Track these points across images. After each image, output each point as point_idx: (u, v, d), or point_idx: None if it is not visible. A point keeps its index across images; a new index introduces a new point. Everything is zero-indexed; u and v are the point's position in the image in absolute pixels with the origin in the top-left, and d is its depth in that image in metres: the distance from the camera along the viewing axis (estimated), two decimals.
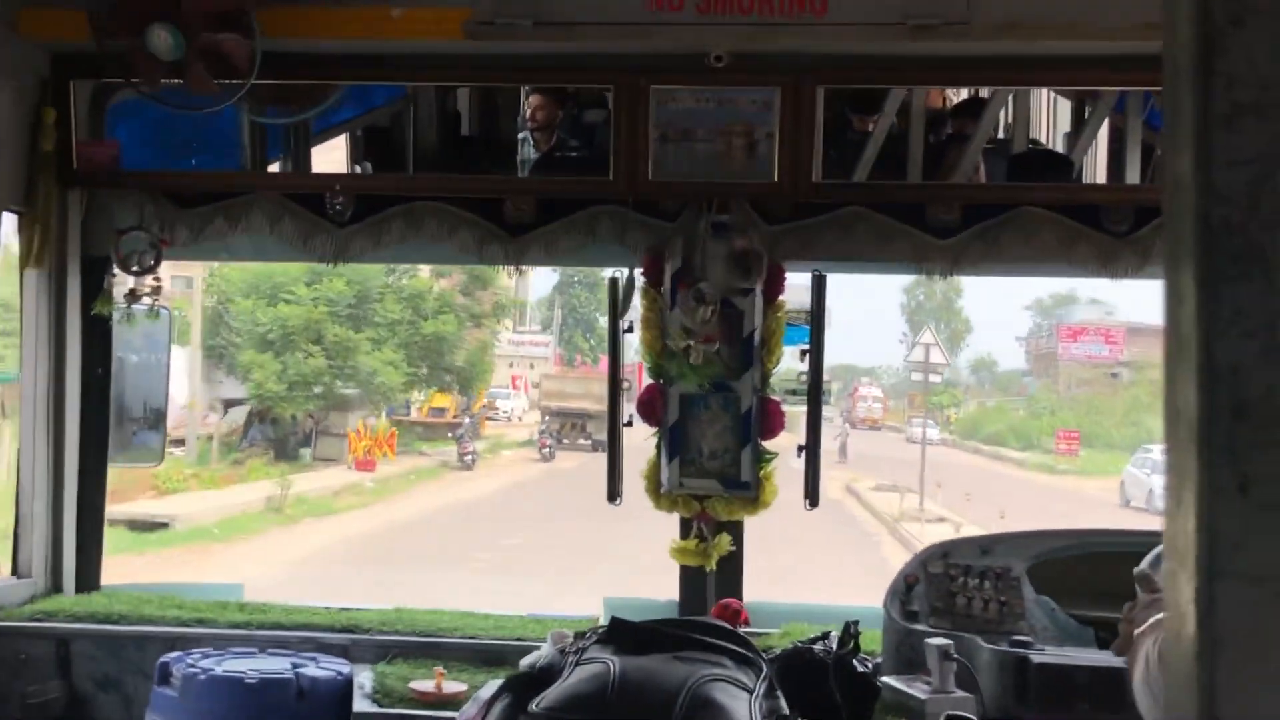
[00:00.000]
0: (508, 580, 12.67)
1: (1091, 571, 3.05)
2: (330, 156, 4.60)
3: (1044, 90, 5.42)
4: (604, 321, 3.69)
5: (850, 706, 2.62)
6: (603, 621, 2.80)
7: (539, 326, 44.38)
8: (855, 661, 2.72)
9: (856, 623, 2.80)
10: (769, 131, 3.32)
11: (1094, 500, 22.76)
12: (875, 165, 3.87)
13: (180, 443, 20.52)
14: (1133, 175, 3.71)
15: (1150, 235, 3.32)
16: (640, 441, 3.60)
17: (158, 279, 3.69)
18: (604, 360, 3.82)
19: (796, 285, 3.67)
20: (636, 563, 9.81)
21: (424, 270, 24.03)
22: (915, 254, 3.42)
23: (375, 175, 4.13)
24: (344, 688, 2.94)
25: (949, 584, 3.05)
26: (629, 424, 3.65)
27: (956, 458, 32.31)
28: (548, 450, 27.81)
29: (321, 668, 2.99)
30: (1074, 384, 38.60)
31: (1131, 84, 3.58)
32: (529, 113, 4.63)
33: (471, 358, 27.10)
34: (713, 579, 3.57)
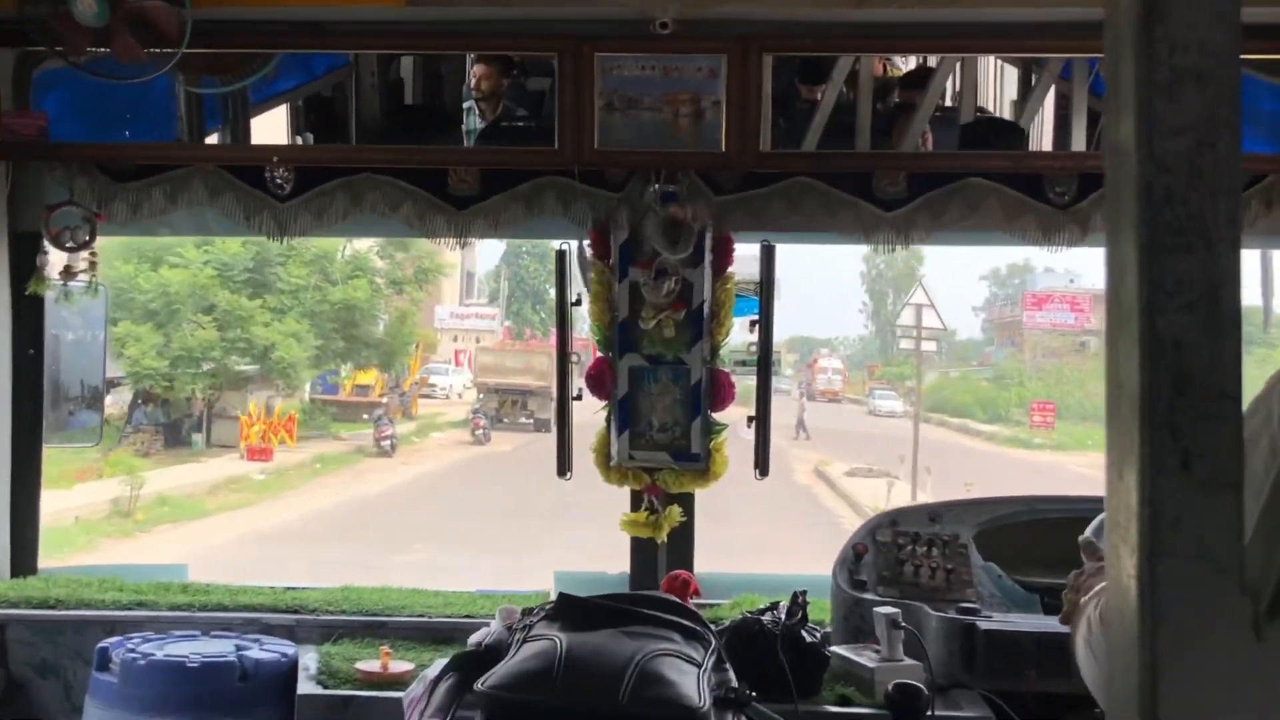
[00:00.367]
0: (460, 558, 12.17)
1: (1037, 537, 3.08)
2: (271, 128, 4.50)
3: (991, 58, 5.43)
4: (554, 293, 3.63)
5: (799, 676, 2.62)
6: (554, 596, 2.78)
7: (486, 299, 42.99)
8: (803, 631, 2.72)
9: (804, 593, 2.80)
10: (716, 100, 3.28)
11: (1097, 481, 21.52)
12: (824, 135, 3.85)
13: None
14: (1078, 142, 3.72)
15: (1090, 207, 3.35)
16: (591, 416, 3.57)
17: (93, 254, 3.59)
18: (556, 334, 3.78)
19: (746, 256, 3.65)
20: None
21: None
22: (863, 225, 3.41)
23: (315, 146, 4.04)
24: (289, 669, 2.89)
25: (897, 552, 3.07)
26: (578, 397, 3.62)
27: (925, 431, 30.22)
28: (481, 431, 25.60)
29: (265, 649, 2.94)
30: (1040, 353, 37.96)
31: (1076, 51, 3.58)
32: (474, 82, 4.55)
33: (391, 329, 24.52)
34: (664, 551, 3.56)
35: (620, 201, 3.40)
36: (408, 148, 3.67)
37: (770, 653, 2.65)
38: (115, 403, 19.75)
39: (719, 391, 3.50)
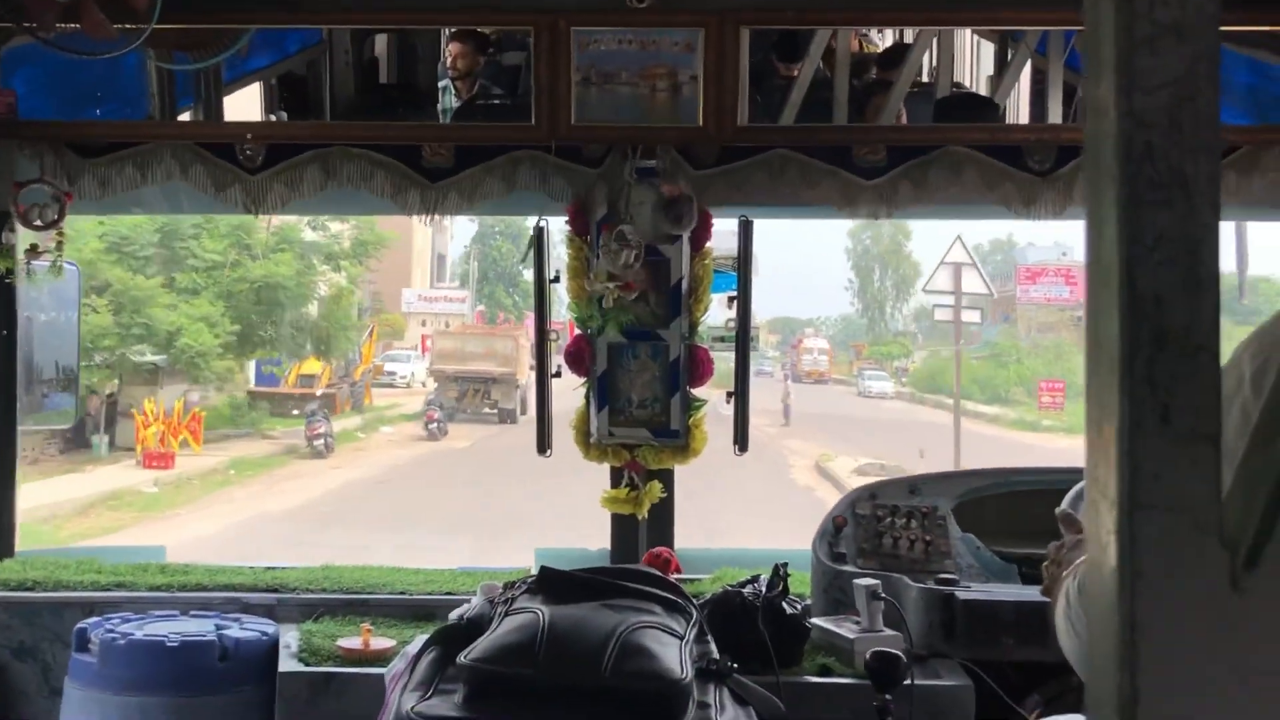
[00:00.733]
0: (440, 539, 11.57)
1: (1015, 508, 3.11)
2: (245, 106, 4.46)
3: (967, 34, 5.44)
4: (528, 275, 3.61)
5: (779, 647, 2.64)
6: (535, 572, 2.78)
7: (458, 282, 41.58)
8: (784, 604, 2.74)
9: (785, 565, 2.82)
10: (693, 74, 3.27)
11: None
12: (801, 111, 3.85)
13: None
14: (1055, 116, 3.73)
15: (1071, 174, 3.35)
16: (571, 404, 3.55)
17: (61, 233, 3.54)
18: (530, 318, 3.77)
19: (724, 231, 3.64)
20: None
21: None
22: (843, 196, 3.41)
23: (288, 123, 4.01)
24: (269, 648, 2.89)
25: (876, 525, 3.09)
26: (557, 375, 3.61)
27: (919, 414, 28.86)
28: (436, 425, 22.71)
29: (246, 628, 2.94)
30: (1035, 329, 37.22)
31: (1052, 23, 3.59)
32: (449, 60, 4.52)
33: (328, 312, 22.19)
34: (644, 527, 3.57)
35: (598, 177, 3.39)
36: (381, 124, 3.65)
37: (751, 625, 2.67)
38: None
39: (697, 368, 3.50)
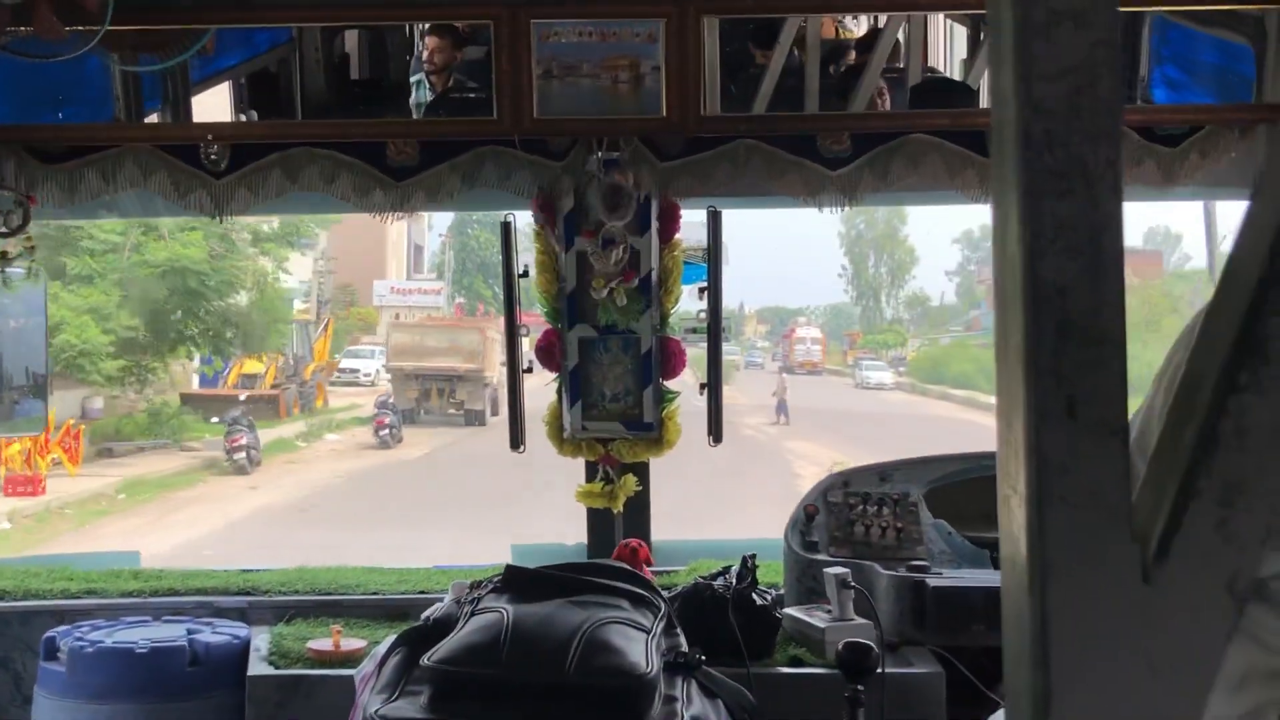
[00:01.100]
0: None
1: (986, 494, 3.09)
2: (216, 105, 4.42)
3: (940, 18, 5.42)
4: (501, 266, 3.60)
5: (750, 639, 2.63)
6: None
7: (436, 274, 39.50)
8: (754, 594, 2.73)
9: (754, 556, 2.81)
10: (655, 65, 3.25)
11: None
12: (776, 99, 3.83)
13: None
14: None
15: None
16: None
17: (29, 239, 3.51)
18: (504, 306, 3.75)
19: (694, 223, 3.63)
20: None
21: None
22: (808, 185, 3.39)
23: (251, 123, 3.98)
24: (240, 651, 2.87)
25: (848, 513, 3.08)
26: (529, 370, 3.60)
27: (925, 407, 26.90)
28: (388, 431, 20.05)
29: (217, 632, 2.93)
30: None
31: None
32: (425, 55, 4.50)
33: (256, 302, 19.12)
34: (620, 520, 3.56)
35: (562, 170, 3.37)
36: (344, 121, 3.63)
37: (721, 617, 2.66)
38: None
39: (670, 359, 3.49)
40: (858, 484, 3.15)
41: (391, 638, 2.48)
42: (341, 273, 33.62)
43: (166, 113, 3.76)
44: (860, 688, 2.34)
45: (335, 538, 11.14)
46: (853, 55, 4.60)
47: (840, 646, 2.39)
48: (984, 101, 4.30)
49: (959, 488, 3.14)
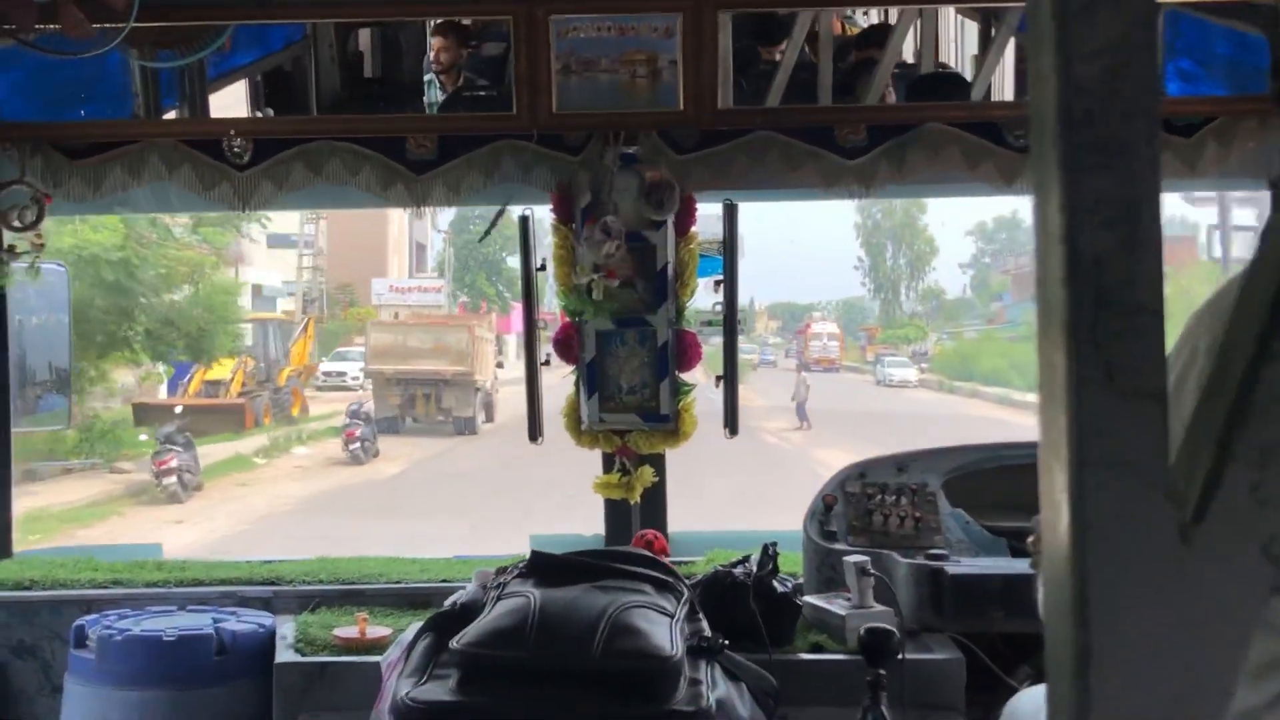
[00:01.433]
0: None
1: (1003, 483, 3.13)
2: (231, 103, 4.46)
3: (951, 12, 5.44)
4: (512, 261, 3.62)
5: (771, 625, 2.66)
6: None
7: (439, 271, 37.89)
8: (775, 582, 2.76)
9: (774, 544, 2.84)
10: (672, 59, 3.28)
11: None
12: (787, 95, 3.86)
13: None
14: None
15: None
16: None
17: (39, 235, 3.55)
18: (516, 308, 3.79)
19: (709, 216, 3.66)
20: None
21: None
22: (825, 177, 3.42)
23: (272, 119, 4.02)
24: (266, 640, 2.91)
25: (866, 503, 3.11)
26: (546, 363, 3.63)
27: (955, 405, 24.85)
28: (359, 446, 17.74)
29: (242, 621, 2.96)
30: None
31: None
32: (432, 55, 4.54)
33: (197, 297, 16.82)
34: (637, 511, 3.59)
35: (580, 164, 3.40)
36: (365, 117, 3.67)
37: (742, 604, 2.69)
38: None
39: (686, 352, 3.51)
40: (875, 474, 3.17)
41: (419, 623, 2.52)
42: (341, 272, 32.84)
43: (184, 110, 3.80)
44: (882, 672, 2.37)
45: None
46: (853, 54, 4.63)
47: (862, 631, 2.42)
48: (996, 96, 4.33)
49: (977, 478, 3.17)
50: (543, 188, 3.43)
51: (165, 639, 2.81)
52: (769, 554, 2.80)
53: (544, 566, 2.42)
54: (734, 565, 2.84)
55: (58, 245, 14.39)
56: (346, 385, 25.66)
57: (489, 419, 22.40)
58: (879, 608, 2.80)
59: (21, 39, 2.90)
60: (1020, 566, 2.79)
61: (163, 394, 20.14)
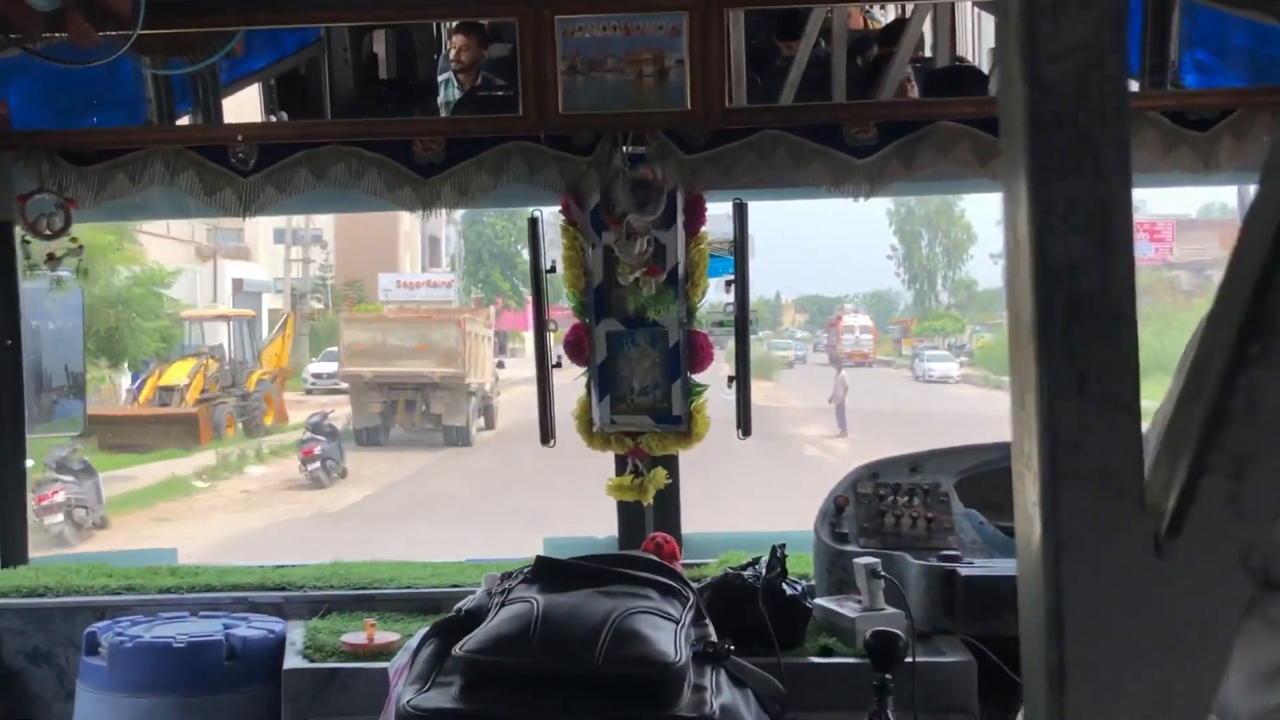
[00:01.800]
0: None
1: None
2: (247, 107, 4.48)
3: (969, 5, 5.40)
4: (525, 255, 3.62)
5: (780, 628, 2.64)
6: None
7: (451, 266, 36.63)
8: (784, 585, 2.74)
9: (783, 546, 2.82)
10: (679, 58, 3.26)
11: None
12: (802, 90, 3.83)
13: None
14: None
15: None
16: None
17: (75, 240, 3.57)
18: (532, 302, 3.77)
19: (720, 216, 3.64)
20: None
21: None
22: (834, 175, 3.39)
23: (280, 123, 4.03)
24: (276, 646, 2.91)
25: (878, 504, 3.08)
26: (558, 365, 3.62)
27: (1003, 403, 22.45)
28: (320, 466, 15.10)
29: (253, 627, 2.97)
30: None
31: None
32: (453, 53, 4.54)
33: (107, 293, 14.39)
34: (650, 513, 3.58)
35: (589, 165, 3.38)
36: (372, 120, 3.67)
37: (751, 607, 2.67)
38: None
39: (697, 353, 3.50)
40: (887, 475, 3.14)
41: (424, 629, 2.51)
42: (350, 267, 31.97)
43: (198, 115, 3.82)
44: (888, 675, 2.34)
45: None
46: (875, 48, 4.60)
47: (868, 634, 2.40)
48: (993, 89, 4.29)
49: (991, 477, 3.13)
50: (552, 189, 3.41)
51: (176, 645, 2.82)
52: (777, 556, 2.78)
53: (549, 572, 2.41)
54: (743, 568, 2.82)
55: None
56: (339, 389, 22.23)
57: (489, 425, 20.21)
58: (890, 610, 2.77)
59: (29, 48, 2.92)
60: None
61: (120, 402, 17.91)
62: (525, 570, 2.49)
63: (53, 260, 3.55)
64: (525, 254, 3.62)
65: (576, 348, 3.52)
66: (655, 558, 2.64)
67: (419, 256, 35.87)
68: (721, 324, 3.62)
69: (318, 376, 24.78)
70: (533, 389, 3.72)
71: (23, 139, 3.43)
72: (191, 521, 13.75)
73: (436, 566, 3.46)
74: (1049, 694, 0.83)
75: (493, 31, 4.56)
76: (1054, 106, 0.81)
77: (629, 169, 3.35)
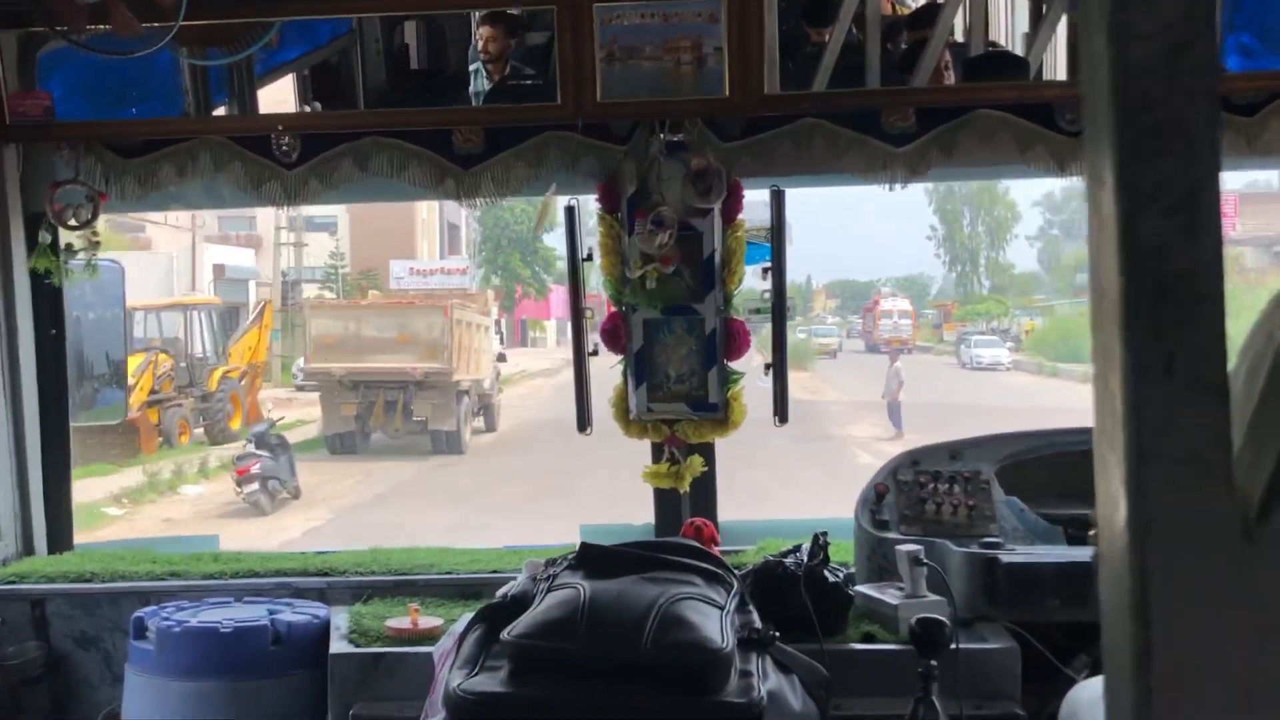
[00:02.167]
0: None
1: (1059, 470, 3.08)
2: (280, 98, 4.50)
3: None
4: (547, 241, 3.61)
5: (822, 615, 2.64)
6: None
7: (470, 254, 34.63)
8: (826, 572, 2.74)
9: (825, 534, 2.82)
10: (717, 45, 3.25)
11: None
12: (834, 77, 3.81)
13: None
14: None
15: None
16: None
17: (95, 233, 3.60)
18: (554, 293, 3.78)
19: (756, 203, 3.63)
20: None
21: None
22: (872, 162, 3.38)
23: (320, 113, 4.04)
24: (320, 631, 2.94)
25: (919, 491, 3.07)
26: (594, 353, 3.63)
27: (1068, 393, 18.46)
28: (257, 488, 12.73)
29: (298, 612, 3.00)
30: None
31: None
32: (480, 44, 4.54)
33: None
34: (687, 500, 3.58)
35: (626, 154, 3.38)
36: (410, 110, 3.67)
37: (793, 594, 2.67)
38: None
39: (734, 340, 3.49)
40: (928, 462, 3.13)
41: (470, 614, 2.53)
42: (364, 255, 30.78)
43: (233, 106, 3.84)
44: (934, 662, 2.34)
45: None
46: (905, 34, 4.56)
47: (913, 621, 2.39)
48: (1049, 75, 4.25)
49: (1031, 465, 3.11)
50: (589, 177, 3.42)
51: (222, 630, 2.85)
52: (819, 543, 2.78)
53: (593, 558, 2.42)
54: (785, 555, 2.82)
55: None
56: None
57: (490, 427, 17.94)
58: (932, 597, 2.77)
59: (73, 39, 2.95)
60: (1077, 555, 2.74)
61: None
62: (569, 556, 2.50)
63: (69, 251, 3.58)
64: (546, 240, 3.62)
65: (613, 335, 3.53)
66: (698, 544, 2.64)
67: (437, 244, 34.08)
68: (758, 311, 3.61)
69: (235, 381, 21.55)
70: (549, 381, 3.73)
71: (65, 130, 3.46)
72: None
73: (475, 553, 3.48)
74: (1135, 673, 0.82)
75: (525, 21, 4.55)
76: (1143, 87, 0.81)
77: (666, 158, 3.35)
